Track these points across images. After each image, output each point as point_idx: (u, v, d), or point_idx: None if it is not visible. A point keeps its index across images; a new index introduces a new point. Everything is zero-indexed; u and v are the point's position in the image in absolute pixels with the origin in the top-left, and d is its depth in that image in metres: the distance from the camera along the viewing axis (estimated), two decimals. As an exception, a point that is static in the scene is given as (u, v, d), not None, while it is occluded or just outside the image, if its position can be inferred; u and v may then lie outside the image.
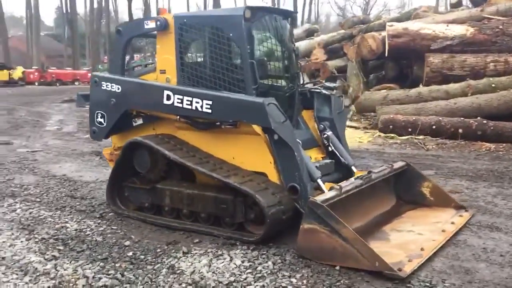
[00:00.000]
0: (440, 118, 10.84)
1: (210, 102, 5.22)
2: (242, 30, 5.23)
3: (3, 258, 4.48)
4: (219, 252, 4.61)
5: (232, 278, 4.06)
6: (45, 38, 70.47)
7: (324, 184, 5.10)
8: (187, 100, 5.35)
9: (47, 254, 4.58)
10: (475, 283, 3.99)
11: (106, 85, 6.03)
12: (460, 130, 10.46)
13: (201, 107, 5.27)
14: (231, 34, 5.31)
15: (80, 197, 6.57)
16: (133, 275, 4.15)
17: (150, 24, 5.81)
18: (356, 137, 11.27)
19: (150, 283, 4.02)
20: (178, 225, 5.32)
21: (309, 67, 15.96)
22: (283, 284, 3.96)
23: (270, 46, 5.65)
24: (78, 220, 5.59)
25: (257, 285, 3.94)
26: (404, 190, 6.08)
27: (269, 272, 4.20)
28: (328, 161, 5.62)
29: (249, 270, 4.22)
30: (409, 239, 4.88)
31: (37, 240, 4.96)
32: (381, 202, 5.77)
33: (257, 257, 4.51)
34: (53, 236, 5.06)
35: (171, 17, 5.67)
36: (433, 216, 5.58)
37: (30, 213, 5.83)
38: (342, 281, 4.01)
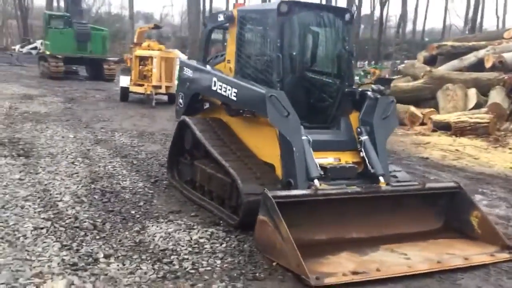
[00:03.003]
0: None
1: (236, 91, 5.54)
2: (274, 23, 5.39)
3: (50, 194, 5.67)
4: (194, 227, 4.97)
5: (171, 247, 4.42)
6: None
7: (321, 185, 4.91)
8: (224, 87, 5.76)
9: (80, 198, 5.61)
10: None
11: (185, 71, 6.84)
12: None
13: (231, 94, 5.63)
14: (267, 27, 5.51)
15: (166, 166, 7.51)
16: (110, 226, 4.85)
17: (221, 17, 6.37)
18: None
19: (113, 235, 4.65)
20: (197, 200, 5.81)
21: (510, 80, 14.04)
22: (203, 263, 4.14)
23: (308, 42, 5.62)
24: (135, 181, 6.53)
25: (182, 257, 4.22)
26: (453, 216, 5.34)
27: (209, 251, 4.41)
28: (348, 165, 5.32)
29: (194, 245, 4.50)
30: (381, 259, 4.41)
31: (89, 188, 6.05)
32: (410, 221, 5.21)
33: (219, 238, 4.72)
34: (103, 188, 6.10)
35: (236, 11, 6.11)
36: (459, 248, 4.84)
37: (113, 169, 7.04)
38: (257, 274, 4.00)
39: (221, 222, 5.15)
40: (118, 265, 3.97)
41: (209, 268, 4.05)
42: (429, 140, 11.89)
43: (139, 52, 15.92)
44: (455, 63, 16.73)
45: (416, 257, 4.52)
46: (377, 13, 52.59)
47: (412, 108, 14.22)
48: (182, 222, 5.07)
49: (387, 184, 5.08)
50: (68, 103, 14.76)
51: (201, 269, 4.01)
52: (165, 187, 6.39)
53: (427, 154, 10.22)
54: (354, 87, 5.94)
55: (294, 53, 5.50)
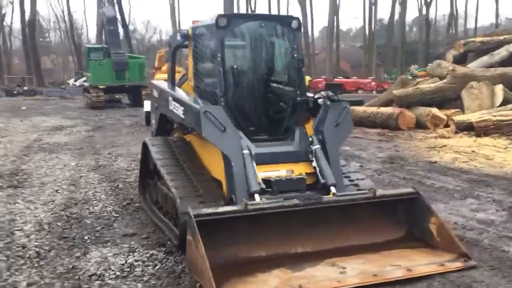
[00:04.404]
0: None
1: (183, 108, 5.49)
2: (214, 37, 5.30)
3: (14, 224, 5.80)
4: (137, 249, 4.90)
5: (100, 272, 4.34)
6: (352, 48, 75.36)
7: (262, 199, 4.72)
8: (176, 106, 5.74)
9: (41, 226, 5.68)
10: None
11: (153, 92, 6.86)
12: None
13: (180, 113, 5.58)
14: (210, 42, 5.44)
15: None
16: (54, 254, 4.85)
17: (178, 36, 6.34)
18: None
19: (52, 262, 4.63)
20: (157, 221, 5.75)
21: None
22: (123, 287, 4.06)
23: (254, 54, 5.46)
24: (108, 205, 6.57)
25: (106, 282, 4.15)
26: (414, 224, 5.00)
27: (137, 274, 4.32)
28: (296, 177, 5.08)
29: (126, 269, 4.42)
30: (314, 274, 4.16)
31: (57, 215, 6.13)
32: (365, 232, 4.90)
33: (155, 261, 4.62)
34: (71, 214, 6.15)
35: (191, 28, 6.08)
36: (410, 259, 4.50)
37: (93, 194, 7.12)
38: (171, 297, 3.87)
39: (168, 243, 5.06)
40: (35, 294, 3.97)
41: (126, 292, 3.97)
42: (447, 142, 11.30)
43: (158, 76, 16.24)
44: (484, 59, 15.96)
45: (353, 271, 4.23)
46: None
47: (434, 110, 13.60)
48: (127, 245, 5.01)
49: (333, 194, 4.82)
50: (92, 132, 15.24)
51: (116, 294, 3.94)
52: (134, 209, 6.38)
53: (437, 157, 9.69)
54: (310, 95, 5.72)
55: (236, 66, 5.37)
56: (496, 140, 11.10)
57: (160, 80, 7.45)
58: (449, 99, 14.28)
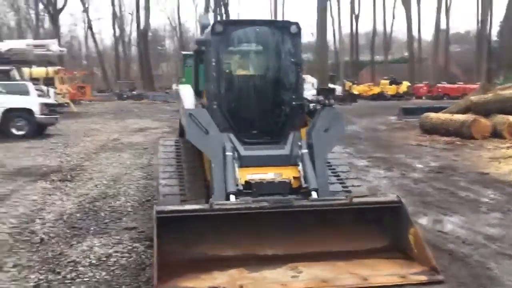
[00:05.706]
0: None
1: (183, 111, 5.75)
2: (209, 43, 5.50)
3: (41, 212, 6.43)
4: (124, 242, 5.23)
5: (79, 259, 4.72)
6: (467, 52, 71.17)
7: (237, 200, 4.82)
8: (181, 108, 6.01)
9: (61, 216, 6.25)
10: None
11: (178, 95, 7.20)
12: None
13: (182, 114, 5.86)
14: (208, 47, 5.64)
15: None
16: (55, 241, 5.33)
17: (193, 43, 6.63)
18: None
19: (48, 248, 5.10)
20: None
21: None
22: (88, 274, 4.38)
23: (249, 59, 5.58)
24: (130, 200, 7.01)
25: (77, 268, 4.50)
26: (399, 235, 4.81)
27: (109, 264, 4.62)
28: (278, 180, 5.10)
29: (102, 258, 4.75)
30: (264, 276, 4.20)
31: (82, 207, 6.68)
32: (346, 239, 4.79)
33: (132, 253, 4.90)
34: (93, 207, 6.68)
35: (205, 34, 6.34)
36: (376, 269, 4.37)
37: (125, 190, 7.62)
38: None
39: (156, 238, 5.32)
40: (13, 274, 4.41)
41: (87, 279, 4.28)
42: (516, 154, 10.43)
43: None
44: None
45: (307, 276, 4.19)
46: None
47: (512, 119, 12.58)
48: (118, 237, 5.36)
49: (308, 199, 4.79)
50: (168, 134, 16.09)
51: (77, 280, 4.26)
52: (150, 206, 6.73)
53: (494, 169, 9.00)
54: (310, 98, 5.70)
55: (232, 70, 5.51)
56: None
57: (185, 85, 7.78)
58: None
